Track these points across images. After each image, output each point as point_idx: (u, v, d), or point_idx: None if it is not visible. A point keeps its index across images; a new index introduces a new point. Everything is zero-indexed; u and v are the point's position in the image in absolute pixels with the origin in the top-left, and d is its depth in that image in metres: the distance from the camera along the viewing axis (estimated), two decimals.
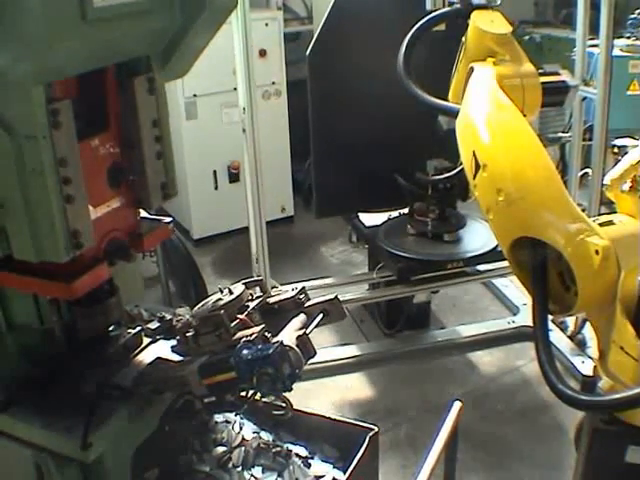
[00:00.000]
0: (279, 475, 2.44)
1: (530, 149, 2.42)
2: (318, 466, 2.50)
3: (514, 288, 5.94)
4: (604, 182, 2.74)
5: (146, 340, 2.46)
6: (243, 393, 2.14)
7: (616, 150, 2.89)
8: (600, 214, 4.03)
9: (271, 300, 2.34)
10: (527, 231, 2.32)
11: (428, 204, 4.95)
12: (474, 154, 2.48)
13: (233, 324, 2.12)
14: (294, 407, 2.23)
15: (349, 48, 4.79)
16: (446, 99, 3.48)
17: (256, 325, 2.14)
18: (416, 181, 4.88)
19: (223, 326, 2.10)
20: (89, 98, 2.11)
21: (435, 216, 4.94)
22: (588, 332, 5.06)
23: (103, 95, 2.17)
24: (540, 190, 2.32)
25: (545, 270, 2.37)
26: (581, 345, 5.15)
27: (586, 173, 5.53)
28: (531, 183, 2.33)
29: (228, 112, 6.79)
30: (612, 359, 2.31)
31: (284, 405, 2.21)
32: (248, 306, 2.25)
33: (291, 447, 2.53)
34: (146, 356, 2.39)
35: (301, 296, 2.31)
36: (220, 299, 2.24)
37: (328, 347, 5.27)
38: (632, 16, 7.69)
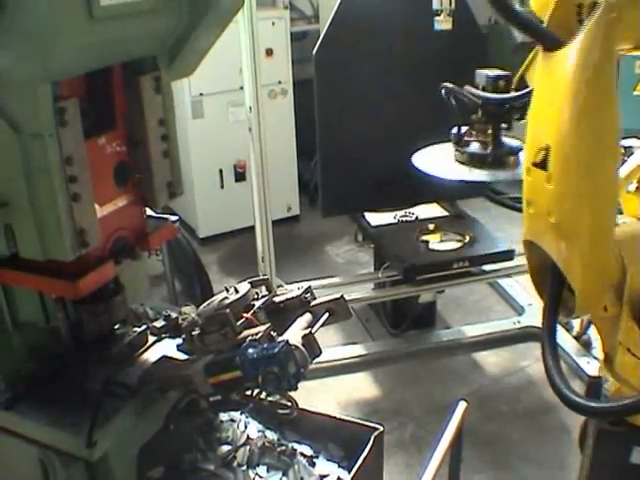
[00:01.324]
0: (284, 474, 2.44)
1: (607, 199, 2.10)
2: (323, 465, 2.50)
3: (520, 288, 5.93)
4: None
5: (152, 338, 2.47)
6: (248, 392, 2.14)
7: (622, 151, 2.88)
8: None
9: (277, 299, 2.34)
10: (553, 256, 2.16)
11: (480, 123, 3.96)
12: (547, 151, 2.02)
13: (239, 323, 2.12)
14: (299, 406, 2.24)
15: (355, 47, 4.79)
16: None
17: (262, 324, 2.14)
18: (465, 97, 3.86)
19: (229, 325, 2.10)
20: (96, 96, 2.12)
21: (488, 139, 3.94)
22: (593, 333, 5.05)
23: (110, 93, 2.17)
24: (588, 243, 2.09)
25: (559, 274, 2.26)
26: (587, 346, 5.14)
27: None
28: (583, 232, 2.07)
29: (234, 111, 6.79)
30: (619, 361, 2.30)
31: (289, 404, 2.21)
32: (254, 305, 2.25)
33: (296, 446, 2.53)
34: (151, 354, 2.39)
35: (307, 295, 2.31)
36: (226, 298, 2.24)
37: (333, 346, 5.27)
38: None
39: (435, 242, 5.16)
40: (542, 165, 2.04)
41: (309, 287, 2.35)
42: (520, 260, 4.61)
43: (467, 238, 5.20)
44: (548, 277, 2.24)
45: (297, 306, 2.30)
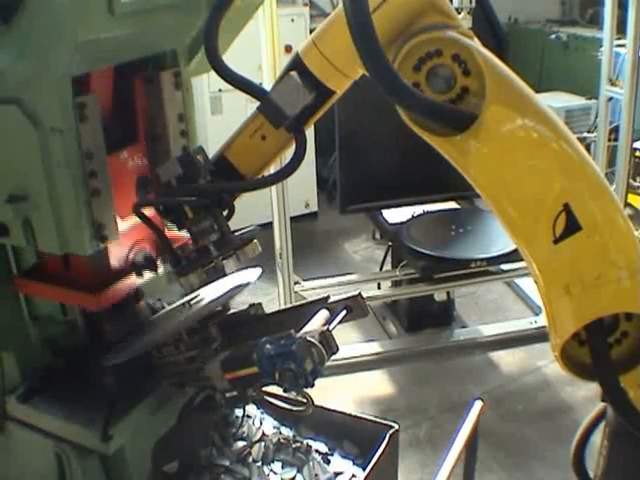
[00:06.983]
0: (298, 471, 2.43)
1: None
2: (338, 462, 2.50)
3: (536, 288, 5.91)
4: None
5: None
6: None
7: (638, 153, 2.86)
8: None
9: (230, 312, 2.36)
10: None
11: None
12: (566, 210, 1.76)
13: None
14: (315, 403, 2.23)
15: None
16: None
17: (215, 338, 2.17)
18: None
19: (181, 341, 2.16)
20: (120, 111, 2.15)
21: None
22: None
23: (133, 108, 2.18)
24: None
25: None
26: None
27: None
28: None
29: (253, 107, 6.74)
30: None
31: (305, 401, 2.21)
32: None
33: (311, 443, 2.53)
34: None
35: (255, 311, 2.34)
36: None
37: (350, 344, 5.27)
38: None
39: (453, 240, 5.15)
40: (571, 229, 1.78)
41: (259, 303, 2.36)
42: None
43: (484, 236, 5.20)
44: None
45: (247, 322, 2.32)
